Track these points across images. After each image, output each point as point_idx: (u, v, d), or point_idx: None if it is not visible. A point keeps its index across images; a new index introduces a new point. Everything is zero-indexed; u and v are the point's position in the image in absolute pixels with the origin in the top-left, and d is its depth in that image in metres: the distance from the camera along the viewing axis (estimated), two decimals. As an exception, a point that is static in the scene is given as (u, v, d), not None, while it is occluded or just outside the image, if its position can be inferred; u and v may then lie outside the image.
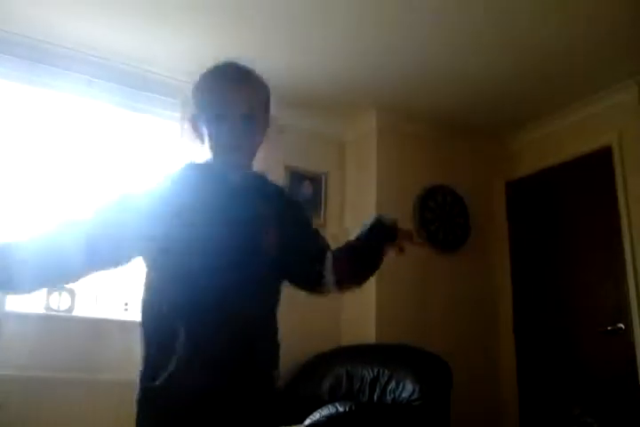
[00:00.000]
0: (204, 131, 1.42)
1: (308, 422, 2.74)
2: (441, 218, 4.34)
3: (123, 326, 3.48)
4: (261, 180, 1.54)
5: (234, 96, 1.41)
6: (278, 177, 4.14)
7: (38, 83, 3.49)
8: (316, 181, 4.31)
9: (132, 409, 3.55)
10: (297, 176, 4.24)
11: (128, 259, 1.39)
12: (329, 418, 2.69)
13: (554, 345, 4.07)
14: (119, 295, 3.59)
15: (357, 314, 4.05)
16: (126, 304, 3.59)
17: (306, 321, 3.98)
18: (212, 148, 1.42)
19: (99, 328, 3.39)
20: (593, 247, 3.98)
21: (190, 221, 1.33)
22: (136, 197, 1.37)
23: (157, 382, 1.29)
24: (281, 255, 1.44)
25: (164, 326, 1.32)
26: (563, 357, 3.99)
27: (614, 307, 3.76)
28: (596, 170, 4.03)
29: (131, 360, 3.47)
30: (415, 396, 3.08)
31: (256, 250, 1.39)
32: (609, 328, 3.72)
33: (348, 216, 4.34)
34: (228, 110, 1.39)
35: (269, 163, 4.03)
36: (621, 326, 3.67)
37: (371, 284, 3.94)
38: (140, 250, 1.38)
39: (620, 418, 2.92)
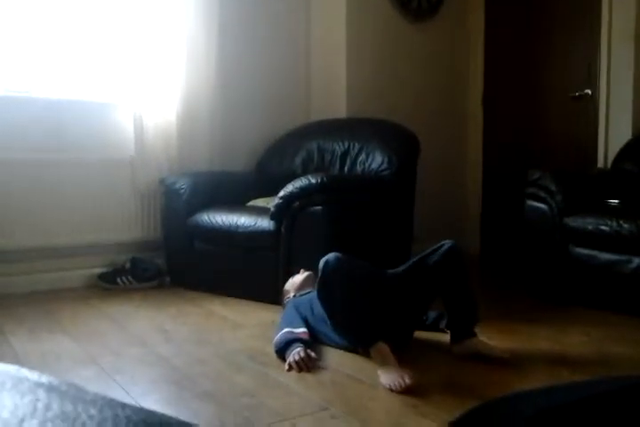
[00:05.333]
0: None
1: (281, 193, 2.86)
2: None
3: (85, 106, 3.41)
4: None
5: None
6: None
7: None
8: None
9: (99, 186, 3.66)
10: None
11: None
12: (301, 189, 2.79)
13: (521, 112, 4.13)
14: (79, 75, 3.45)
15: (327, 88, 3.98)
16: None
17: (275, 98, 3.94)
18: None
19: (61, 109, 3.31)
20: (569, 13, 3.82)
21: None
22: None
23: None
24: None
25: None
26: (528, 123, 4.08)
27: (583, 73, 3.74)
28: None
29: (95, 140, 3.49)
30: (384, 166, 3.20)
31: None
32: (577, 94, 3.75)
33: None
34: None
35: None
36: (588, 91, 3.69)
37: (340, 55, 3.83)
38: None
39: (577, 181, 3.09)
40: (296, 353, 2.02)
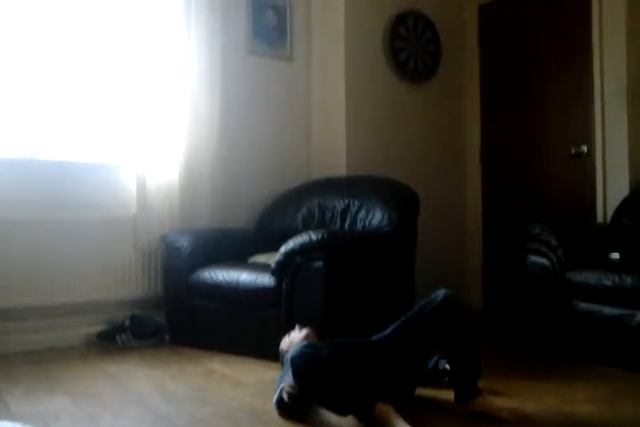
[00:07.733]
0: None
1: (282, 249, 2.87)
2: (412, 46, 4.18)
3: (89, 167, 3.47)
4: None
5: None
6: (239, 4, 3.90)
7: None
8: (279, 9, 4.06)
9: (101, 244, 3.63)
10: (259, 3, 3.98)
11: None
12: (302, 245, 2.81)
13: (519, 171, 4.19)
14: (84, 138, 3.53)
15: (327, 148, 4.06)
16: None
17: (276, 157, 4.01)
18: None
19: (65, 170, 3.36)
20: (563, 73, 3.94)
21: None
22: None
23: None
24: None
25: None
26: (527, 181, 4.14)
27: (579, 132, 3.83)
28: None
29: (98, 199, 3.52)
30: (384, 223, 3.22)
31: None
32: (573, 152, 3.82)
33: (315, 48, 4.16)
34: None
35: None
36: (584, 148, 3.77)
37: (340, 116, 3.93)
38: None
39: (577, 235, 3.10)
40: (282, 390, 2.02)
